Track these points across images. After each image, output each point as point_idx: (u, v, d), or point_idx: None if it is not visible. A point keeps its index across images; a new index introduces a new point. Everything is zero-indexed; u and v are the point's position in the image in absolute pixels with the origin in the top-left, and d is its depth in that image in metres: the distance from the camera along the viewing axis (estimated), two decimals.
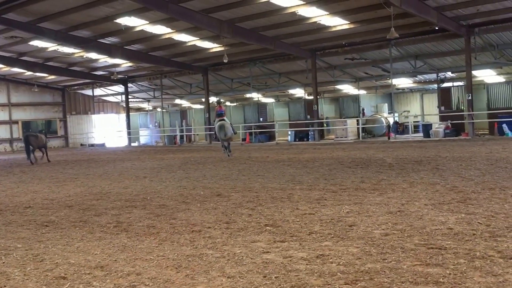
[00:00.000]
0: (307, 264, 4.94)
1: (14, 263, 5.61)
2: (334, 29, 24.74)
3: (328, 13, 22.51)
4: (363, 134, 29.95)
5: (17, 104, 41.23)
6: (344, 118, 33.19)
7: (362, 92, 38.22)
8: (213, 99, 37.38)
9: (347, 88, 39.98)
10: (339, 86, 38.87)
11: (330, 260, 5.03)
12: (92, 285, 4.69)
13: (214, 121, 21.36)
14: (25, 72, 37.65)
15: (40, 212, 8.95)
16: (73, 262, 5.51)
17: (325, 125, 33.25)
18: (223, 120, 20.79)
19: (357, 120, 30.53)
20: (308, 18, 23.15)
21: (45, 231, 7.31)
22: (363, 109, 33.08)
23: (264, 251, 5.54)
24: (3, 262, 5.67)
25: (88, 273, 5.05)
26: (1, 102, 40.35)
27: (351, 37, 26.62)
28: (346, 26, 24.29)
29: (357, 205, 7.89)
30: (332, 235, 6.06)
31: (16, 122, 41.07)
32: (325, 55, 30.26)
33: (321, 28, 24.76)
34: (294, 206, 8.16)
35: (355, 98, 34.93)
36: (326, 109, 36.23)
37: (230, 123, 20.96)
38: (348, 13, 22.55)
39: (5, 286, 4.83)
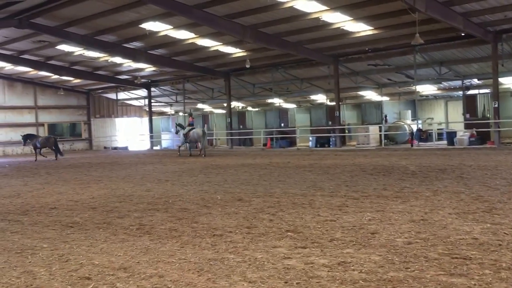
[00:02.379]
0: (328, 271, 4.93)
1: (40, 263, 5.72)
2: (357, 34, 24.62)
3: (352, 18, 22.42)
4: (386, 141, 29.71)
5: (44, 106, 41.92)
6: (366, 124, 32.97)
7: (385, 98, 37.93)
8: (235, 104, 37.68)
9: (370, 95, 39.72)
10: (361, 92, 38.64)
11: (352, 267, 5.01)
12: (115, 286, 4.76)
13: (184, 129, 27.11)
14: (51, 76, 38.30)
15: (65, 213, 9.10)
16: (97, 263, 5.60)
17: (346, 131, 33.08)
18: (195, 128, 26.79)
19: (380, 127, 30.29)
20: (332, 24, 23.09)
21: (70, 232, 7.43)
22: (385, 116, 32.82)
23: (285, 256, 5.54)
24: (30, 262, 5.79)
25: (112, 274, 5.13)
26: (28, 104, 41.09)
27: (374, 43, 26.45)
28: (370, 32, 24.15)
29: (379, 213, 7.84)
30: (354, 242, 6.04)
31: (42, 124, 41.76)
32: (348, 61, 30.13)
33: (345, 33, 24.68)
34: (315, 212, 8.14)
35: (378, 105, 34.67)
36: (348, 115, 36.04)
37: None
38: (372, 19, 22.44)
39: (31, 285, 4.93)
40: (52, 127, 42.65)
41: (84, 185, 13.99)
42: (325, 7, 21.04)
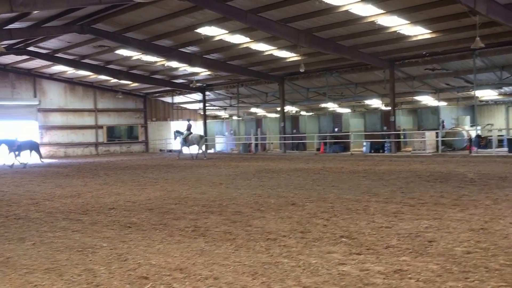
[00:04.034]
0: (384, 279, 4.86)
1: (100, 261, 5.92)
2: (414, 38, 24.13)
3: (409, 22, 21.99)
4: (443, 147, 28.92)
5: (103, 109, 43.31)
6: (422, 130, 32.20)
7: (443, 103, 36.95)
8: (288, 109, 37.74)
9: (426, 99, 38.81)
10: (417, 97, 37.82)
11: (409, 276, 4.92)
12: (172, 287, 4.87)
13: (182, 134, 30.21)
14: (110, 80, 39.54)
15: (123, 214, 9.38)
16: (154, 263, 5.74)
17: (402, 136, 32.43)
18: (192, 133, 30.09)
19: (436, 133, 29.54)
20: (388, 28, 22.73)
21: (128, 232, 7.65)
22: (443, 121, 31.95)
23: (340, 262, 5.51)
24: (90, 260, 6.01)
25: (169, 275, 5.25)
26: (88, 107, 42.56)
27: (432, 46, 25.84)
28: (428, 36, 23.61)
29: (436, 221, 7.66)
30: (411, 250, 5.92)
31: (101, 127, 43.16)
32: (404, 65, 29.54)
33: (401, 37, 24.24)
34: (370, 218, 8.04)
35: (435, 110, 33.79)
36: (403, 120, 35.31)
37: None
38: (430, 22, 21.93)
39: (92, 282, 5.11)
40: (110, 129, 44.01)
41: (141, 186, 14.35)
42: (381, 11, 20.76)
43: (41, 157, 28.69)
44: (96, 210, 9.99)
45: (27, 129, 37.79)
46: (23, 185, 16.07)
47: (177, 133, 31.50)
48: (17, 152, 27.07)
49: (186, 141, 29.99)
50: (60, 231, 7.94)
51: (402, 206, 9.14)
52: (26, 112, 38.65)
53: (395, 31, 23.12)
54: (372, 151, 30.91)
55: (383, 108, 38.20)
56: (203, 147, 30.38)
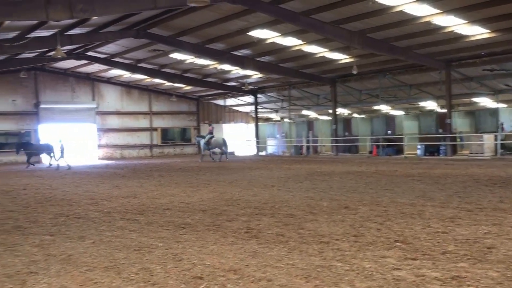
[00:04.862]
0: (441, 285, 4.76)
1: (156, 261, 6.07)
2: (472, 38, 23.41)
3: (466, 21, 21.35)
4: (502, 150, 27.89)
5: (157, 112, 44.26)
6: (480, 132, 31.18)
7: (502, 105, 35.62)
8: (340, 111, 37.42)
9: (484, 101, 37.54)
10: (475, 99, 36.65)
11: (467, 283, 4.79)
12: (226, 287, 4.94)
13: (204, 138, 30.97)
14: (165, 83, 40.38)
15: (178, 215, 9.57)
16: (208, 263, 5.84)
17: (458, 139, 31.49)
18: (214, 136, 31.02)
19: (495, 136, 28.52)
20: (444, 28, 22.15)
21: (183, 232, 7.81)
22: (502, 124, 30.81)
23: (395, 267, 5.43)
24: (147, 259, 6.17)
25: (223, 275, 5.32)
26: (144, 110, 43.60)
27: (491, 46, 24.99)
28: (486, 35, 22.85)
29: (496, 226, 7.41)
30: (469, 257, 5.77)
31: (155, 129, 44.12)
32: (461, 66, 28.68)
33: (458, 37, 23.57)
34: (426, 223, 7.87)
35: (493, 112, 32.63)
36: (460, 122, 34.28)
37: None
38: (489, 21, 21.21)
39: (149, 281, 5.26)
40: (164, 131, 44.92)
41: (194, 188, 14.59)
42: (437, 11, 20.25)
43: (50, 161, 28.73)
44: (152, 210, 10.24)
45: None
46: (82, 185, 16.67)
47: (199, 137, 32.55)
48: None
49: (209, 145, 30.80)
50: (118, 230, 8.18)
51: (459, 211, 8.90)
52: (85, 115, 39.99)
53: (452, 31, 22.51)
54: (427, 154, 30.20)
55: (439, 110, 37.25)
56: (226, 150, 31.40)
